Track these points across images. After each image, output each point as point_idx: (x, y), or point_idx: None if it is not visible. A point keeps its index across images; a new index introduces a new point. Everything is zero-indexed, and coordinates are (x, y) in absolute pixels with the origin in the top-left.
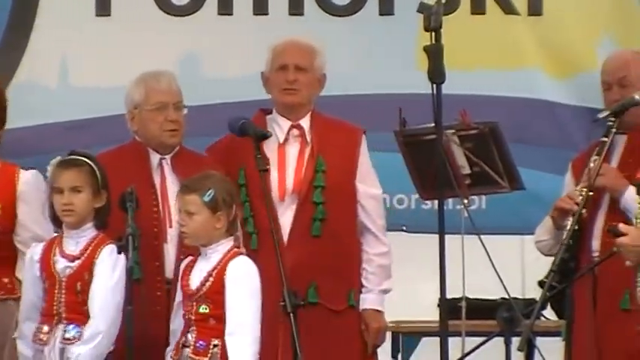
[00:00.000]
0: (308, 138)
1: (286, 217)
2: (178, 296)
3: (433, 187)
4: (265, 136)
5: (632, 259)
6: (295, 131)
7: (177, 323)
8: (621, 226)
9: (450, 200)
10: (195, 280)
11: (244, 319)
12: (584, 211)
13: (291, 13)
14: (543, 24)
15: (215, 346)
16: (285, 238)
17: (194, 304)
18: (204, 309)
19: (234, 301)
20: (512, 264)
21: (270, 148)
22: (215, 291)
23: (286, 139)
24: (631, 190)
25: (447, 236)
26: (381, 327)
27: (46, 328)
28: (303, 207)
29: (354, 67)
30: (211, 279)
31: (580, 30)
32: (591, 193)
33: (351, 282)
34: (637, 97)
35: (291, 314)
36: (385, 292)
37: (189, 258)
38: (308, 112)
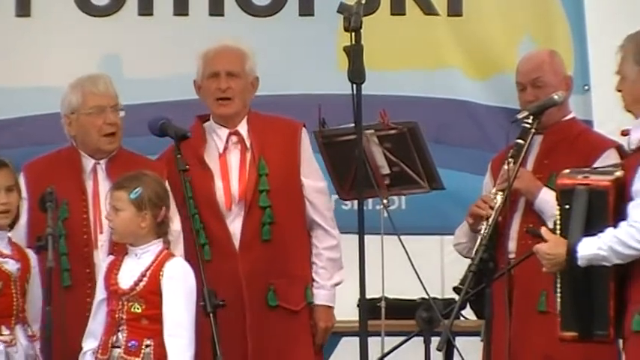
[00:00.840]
0: (247, 143)
1: (235, 225)
2: (100, 294)
3: (353, 187)
4: (185, 135)
5: (547, 267)
6: (234, 138)
7: (97, 322)
8: (543, 231)
9: (370, 200)
10: (127, 279)
11: (183, 320)
12: (499, 218)
13: (211, 14)
14: (463, 24)
15: (147, 346)
16: (237, 245)
17: (125, 303)
18: (136, 308)
19: (173, 302)
20: (431, 264)
21: (211, 158)
22: (150, 291)
23: (226, 148)
24: (545, 192)
25: (366, 236)
26: (328, 327)
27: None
28: (251, 213)
29: (274, 68)
30: (145, 279)
31: (500, 30)
32: (501, 193)
33: (305, 279)
34: (555, 97)
35: (211, 314)
36: (337, 284)
37: (112, 257)
38: (244, 117)
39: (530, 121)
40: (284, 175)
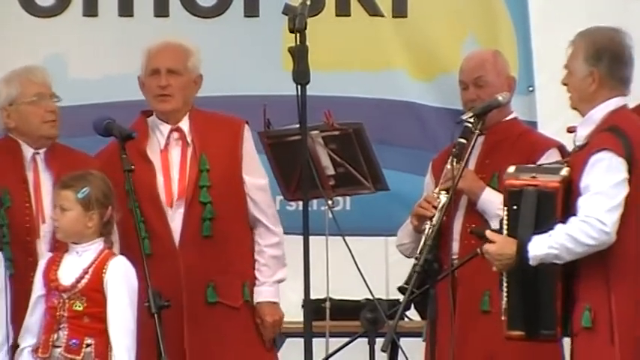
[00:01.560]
0: (189, 139)
1: (176, 221)
2: (38, 290)
3: (298, 188)
4: (130, 136)
5: (497, 267)
6: (175, 134)
7: (35, 318)
8: (488, 233)
9: (315, 201)
10: (68, 276)
11: (127, 319)
12: (443, 218)
13: (156, 15)
14: (408, 25)
15: (88, 345)
16: (177, 241)
17: (66, 300)
18: (78, 306)
19: (117, 300)
20: (376, 265)
21: (153, 154)
22: (91, 288)
23: (167, 144)
24: (488, 193)
25: (311, 237)
26: (276, 320)
27: None
28: (192, 209)
29: (219, 69)
30: (87, 276)
31: (445, 31)
32: (444, 193)
33: (244, 276)
34: (500, 98)
35: (156, 315)
36: (279, 281)
37: (49, 254)
38: (186, 114)
39: (471, 120)
40: (225, 172)
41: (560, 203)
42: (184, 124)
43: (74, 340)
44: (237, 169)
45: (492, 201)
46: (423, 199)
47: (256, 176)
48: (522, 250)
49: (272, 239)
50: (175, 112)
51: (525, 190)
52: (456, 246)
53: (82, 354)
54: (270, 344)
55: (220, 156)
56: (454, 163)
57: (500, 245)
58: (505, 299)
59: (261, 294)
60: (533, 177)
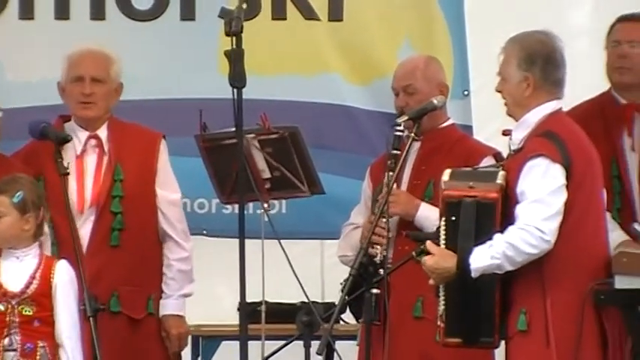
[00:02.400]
0: (106, 148)
1: (85, 228)
2: None
3: (233, 191)
4: (66, 139)
5: (435, 281)
6: (93, 141)
7: None
8: (428, 244)
9: (251, 204)
10: (14, 282)
11: (75, 322)
12: (390, 235)
13: (92, 18)
14: (344, 29)
15: (42, 347)
16: (85, 248)
17: (15, 306)
18: (27, 311)
19: (67, 304)
20: (311, 268)
21: (68, 159)
22: (40, 293)
23: (84, 150)
24: (423, 209)
25: (247, 240)
26: (181, 333)
27: None
28: (102, 217)
29: (156, 72)
30: (36, 282)
31: (381, 36)
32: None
33: (150, 289)
34: (435, 102)
35: (92, 318)
36: (186, 296)
37: None
38: (105, 122)
39: (402, 128)
40: (139, 184)
41: (499, 213)
42: (102, 132)
43: (29, 345)
44: (151, 181)
45: (428, 217)
46: (368, 222)
47: (169, 190)
48: (464, 263)
49: (181, 254)
50: (96, 119)
51: (464, 201)
52: (390, 251)
53: (37, 357)
54: (175, 357)
55: (135, 167)
56: (389, 178)
57: (438, 258)
58: (443, 307)
59: (167, 307)
60: (471, 187)
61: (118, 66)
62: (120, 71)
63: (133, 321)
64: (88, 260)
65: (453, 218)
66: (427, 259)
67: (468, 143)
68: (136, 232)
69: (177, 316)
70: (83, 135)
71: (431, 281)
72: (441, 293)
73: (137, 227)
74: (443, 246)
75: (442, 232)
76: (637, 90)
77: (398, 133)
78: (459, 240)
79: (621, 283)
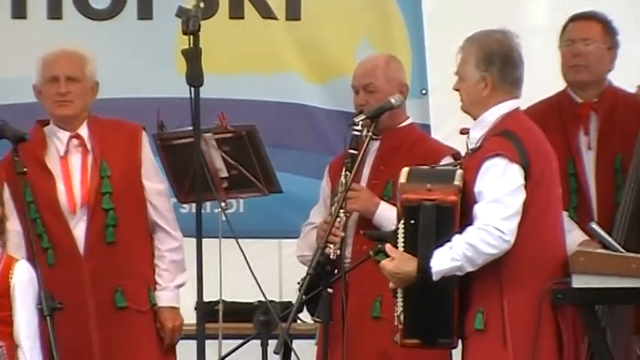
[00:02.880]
0: (88, 146)
1: (79, 229)
2: None
3: (191, 190)
4: (23, 138)
5: (395, 284)
6: (75, 141)
7: None
8: (387, 248)
9: (208, 204)
10: None
11: (35, 322)
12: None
13: (49, 17)
14: (301, 28)
15: (0, 347)
16: (81, 249)
17: None
18: None
19: (26, 305)
20: (269, 267)
21: (52, 162)
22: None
23: (67, 151)
24: (383, 209)
25: (204, 240)
26: (176, 325)
27: None
28: (95, 215)
29: (113, 71)
30: None
31: (339, 34)
32: (348, 215)
33: (148, 281)
34: (392, 101)
35: (48, 317)
36: (179, 286)
37: None
38: (84, 120)
39: (360, 128)
40: (126, 177)
41: (458, 215)
42: (83, 131)
43: None
44: (137, 174)
45: (387, 217)
46: (324, 222)
47: (155, 181)
48: (425, 267)
49: (172, 244)
50: (75, 118)
51: (423, 204)
52: (348, 250)
53: None
54: (168, 349)
55: (120, 162)
56: (346, 177)
57: (398, 263)
58: (401, 309)
59: (162, 299)
60: (429, 189)
61: (92, 65)
62: (95, 70)
63: (139, 314)
64: (86, 260)
65: (412, 221)
66: (387, 264)
67: (427, 143)
68: (129, 227)
69: (173, 308)
70: (64, 136)
71: (391, 284)
72: (400, 295)
73: (130, 221)
74: (401, 249)
75: (401, 236)
76: (592, 88)
77: (355, 133)
78: (420, 243)
79: (578, 282)
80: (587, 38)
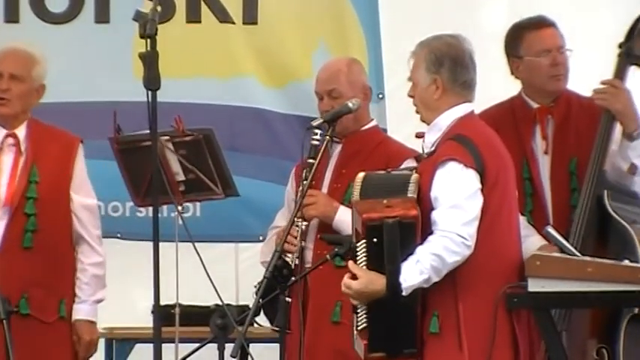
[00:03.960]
0: (22, 147)
1: None
2: None
3: (147, 194)
4: None
5: (361, 301)
6: (10, 140)
7: None
8: (351, 265)
9: (165, 207)
10: None
11: None
12: (303, 243)
13: (6, 20)
14: (258, 32)
15: None
16: None
17: None
18: None
19: None
20: (226, 271)
21: None
22: None
23: (0, 149)
24: (342, 213)
25: (161, 243)
26: (93, 339)
27: None
28: (15, 218)
29: (71, 74)
30: None
31: (295, 38)
32: (306, 223)
33: (62, 292)
34: (350, 105)
35: (4, 321)
36: (99, 301)
37: None
38: (24, 121)
39: (318, 137)
40: (54, 186)
41: (420, 229)
42: (20, 132)
43: None
44: (66, 185)
45: (347, 221)
46: (283, 232)
47: (84, 195)
48: (394, 284)
49: (95, 258)
50: (12, 117)
51: (386, 223)
52: (309, 254)
53: None
54: None
55: (51, 170)
56: (303, 185)
57: (365, 281)
58: (364, 324)
59: (80, 312)
60: (387, 206)
61: (42, 67)
62: (44, 72)
63: (43, 324)
64: (0, 260)
65: (375, 240)
66: (353, 283)
67: (389, 146)
68: (50, 235)
69: (90, 321)
70: (0, 133)
71: (355, 302)
72: (362, 310)
73: (51, 230)
74: (364, 266)
75: (362, 253)
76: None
77: (314, 142)
78: (386, 261)
79: (534, 286)
80: (561, 46)
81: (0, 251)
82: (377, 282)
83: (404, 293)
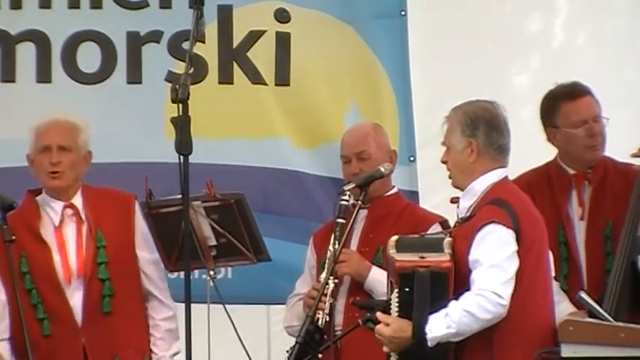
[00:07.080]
0: (83, 215)
1: (76, 299)
2: None
3: (179, 258)
4: (12, 206)
5: (391, 349)
6: (69, 211)
7: None
8: (379, 315)
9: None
10: None
11: None
12: (332, 300)
13: (39, 81)
14: (290, 94)
15: None
16: (79, 319)
17: None
18: None
19: None
20: (257, 334)
21: (47, 232)
22: None
23: (62, 221)
24: (375, 272)
25: (192, 305)
26: None
27: None
28: (91, 286)
29: (102, 135)
30: None
31: (327, 100)
32: (337, 281)
33: (142, 350)
34: (382, 169)
35: None
36: (175, 354)
37: None
38: (78, 190)
39: (347, 197)
40: (120, 247)
41: (453, 281)
42: (77, 201)
43: None
44: (131, 243)
45: (380, 280)
46: (313, 289)
47: (148, 251)
48: (420, 333)
49: (167, 313)
50: (67, 188)
51: (418, 271)
52: (339, 317)
53: None
54: None
55: (114, 231)
56: (336, 245)
57: (395, 328)
58: None
59: None
60: (422, 257)
61: (85, 134)
62: (88, 139)
63: None
64: (85, 330)
65: (407, 289)
66: (384, 329)
67: (415, 211)
68: (124, 296)
69: None
70: (58, 206)
71: (385, 348)
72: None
73: (125, 291)
74: (396, 315)
75: (394, 304)
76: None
77: (344, 203)
78: (415, 309)
79: (567, 351)
80: (597, 115)
81: (84, 321)
82: (407, 329)
83: (429, 344)
